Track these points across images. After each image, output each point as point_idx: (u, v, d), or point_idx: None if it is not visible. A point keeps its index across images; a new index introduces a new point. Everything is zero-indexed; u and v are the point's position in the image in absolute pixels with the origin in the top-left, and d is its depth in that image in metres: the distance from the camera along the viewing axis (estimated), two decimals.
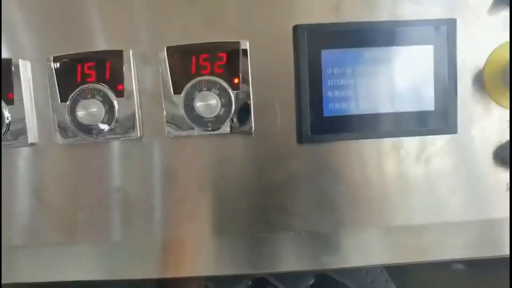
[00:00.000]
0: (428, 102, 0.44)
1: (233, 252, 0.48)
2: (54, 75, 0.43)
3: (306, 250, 0.48)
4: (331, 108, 0.44)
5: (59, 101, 0.43)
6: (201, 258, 0.49)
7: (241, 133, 0.44)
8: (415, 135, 0.45)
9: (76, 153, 0.45)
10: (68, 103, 0.43)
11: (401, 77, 0.44)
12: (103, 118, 0.43)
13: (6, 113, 0.43)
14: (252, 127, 0.44)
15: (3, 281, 0.48)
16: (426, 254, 0.49)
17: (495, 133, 0.46)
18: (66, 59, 0.43)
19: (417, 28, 0.44)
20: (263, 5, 0.43)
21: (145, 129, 0.45)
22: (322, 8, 0.44)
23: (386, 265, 0.55)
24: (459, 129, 0.45)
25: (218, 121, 0.43)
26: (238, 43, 0.43)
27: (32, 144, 0.45)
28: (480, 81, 0.45)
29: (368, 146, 0.46)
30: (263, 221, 0.47)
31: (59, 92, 0.43)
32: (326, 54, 0.43)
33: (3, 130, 0.43)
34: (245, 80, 0.43)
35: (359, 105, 0.44)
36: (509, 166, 0.45)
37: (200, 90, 0.42)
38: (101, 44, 0.44)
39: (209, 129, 0.43)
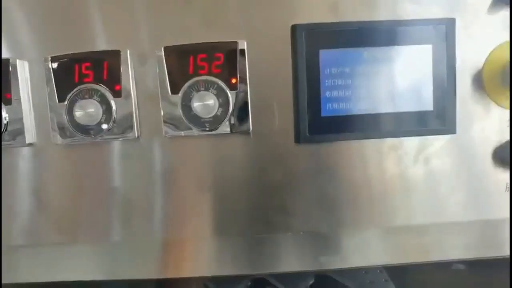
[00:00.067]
0: (426, 102, 0.44)
1: (232, 253, 0.48)
2: (52, 75, 0.43)
3: (305, 251, 0.48)
4: (329, 108, 0.43)
5: (57, 101, 0.43)
6: (201, 258, 0.49)
7: (239, 133, 0.44)
8: (413, 135, 0.45)
9: (74, 153, 0.45)
10: (65, 103, 0.43)
11: (399, 77, 0.44)
12: (101, 118, 0.43)
13: (4, 113, 0.43)
14: (250, 127, 0.44)
15: (3, 281, 0.48)
16: (425, 254, 0.49)
17: (495, 133, 0.46)
18: (64, 59, 0.43)
19: (415, 28, 0.43)
20: (261, 5, 0.43)
21: (143, 129, 0.44)
22: (320, 8, 0.44)
23: (386, 265, 0.55)
24: (458, 129, 0.45)
25: (215, 121, 0.43)
26: (236, 43, 0.43)
27: (30, 144, 0.45)
28: (479, 81, 0.45)
29: (367, 146, 0.46)
30: (262, 221, 0.47)
31: (57, 92, 0.43)
32: (324, 54, 0.43)
33: (1, 130, 0.43)
34: (243, 80, 0.43)
35: (357, 105, 0.44)
36: (508, 166, 0.45)
37: (198, 90, 0.42)
38: (99, 44, 0.44)
39: (207, 129, 0.43)
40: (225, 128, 0.44)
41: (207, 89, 0.42)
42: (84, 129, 0.43)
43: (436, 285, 0.69)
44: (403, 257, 0.49)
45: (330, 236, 0.48)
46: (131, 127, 0.44)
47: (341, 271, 0.66)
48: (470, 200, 0.47)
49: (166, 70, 0.43)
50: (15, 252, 0.48)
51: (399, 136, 0.45)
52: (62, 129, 0.44)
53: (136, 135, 0.44)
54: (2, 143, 0.44)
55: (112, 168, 0.45)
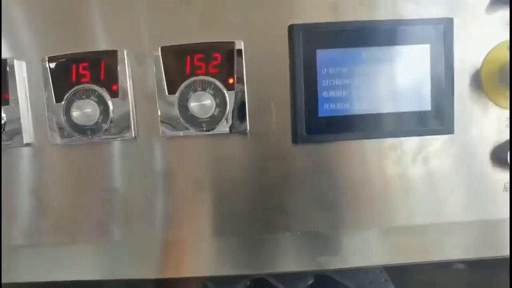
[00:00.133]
0: (424, 102, 0.44)
1: (231, 253, 0.48)
2: (49, 75, 0.43)
3: (304, 251, 0.48)
4: (326, 108, 0.43)
5: (54, 102, 0.43)
6: (199, 258, 0.49)
7: (236, 134, 0.44)
8: (411, 136, 0.45)
9: (71, 153, 0.45)
10: (63, 103, 0.43)
11: (397, 77, 0.44)
12: (98, 119, 0.43)
13: (2, 113, 0.43)
14: (247, 128, 0.44)
15: (3, 281, 0.48)
16: (424, 254, 0.49)
17: (493, 133, 0.45)
18: (61, 59, 0.43)
19: (413, 28, 0.43)
20: (259, 5, 0.43)
21: (140, 129, 0.44)
22: (319, 8, 0.43)
23: (385, 265, 0.55)
24: (456, 129, 0.45)
25: (212, 121, 0.43)
26: (233, 43, 0.43)
27: (27, 144, 0.45)
28: (477, 80, 0.44)
29: (364, 146, 0.45)
30: (260, 221, 0.47)
31: (54, 92, 0.43)
32: (322, 54, 0.43)
33: (1, 130, 0.43)
34: (240, 80, 0.43)
35: (355, 106, 0.43)
36: (507, 166, 0.45)
37: (195, 90, 0.42)
38: (97, 44, 0.44)
39: (204, 129, 0.43)
40: (222, 128, 0.44)
41: (204, 89, 0.42)
42: (81, 129, 0.43)
43: (436, 285, 0.68)
44: (401, 257, 0.49)
45: (328, 236, 0.48)
46: (128, 127, 0.44)
47: (341, 271, 0.66)
48: (469, 200, 0.47)
49: (163, 70, 0.43)
50: (15, 252, 0.48)
51: (396, 136, 0.45)
52: (59, 129, 0.44)
53: (133, 135, 0.44)
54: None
55: (109, 168, 0.45)
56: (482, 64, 0.44)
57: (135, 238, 0.47)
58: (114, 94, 0.43)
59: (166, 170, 0.45)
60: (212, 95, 0.42)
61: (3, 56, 0.43)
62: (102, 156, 0.45)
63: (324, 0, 0.43)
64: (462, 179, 0.47)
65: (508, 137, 0.45)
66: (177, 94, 0.43)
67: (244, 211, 0.47)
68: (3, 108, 0.43)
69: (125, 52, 0.43)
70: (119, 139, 0.44)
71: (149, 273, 0.49)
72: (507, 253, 0.48)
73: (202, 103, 0.42)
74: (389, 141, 0.45)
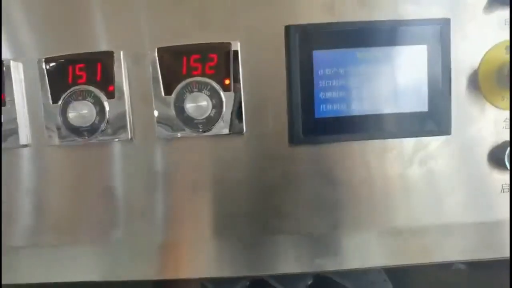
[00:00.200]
0: (421, 103, 0.44)
1: (230, 254, 0.48)
2: (46, 76, 0.43)
3: (303, 252, 0.48)
4: (323, 109, 0.43)
5: (51, 103, 0.43)
6: (198, 260, 0.49)
7: (232, 135, 0.44)
8: (408, 137, 0.45)
9: (68, 154, 0.45)
10: (59, 104, 0.43)
11: (394, 78, 0.43)
12: (94, 120, 0.43)
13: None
14: (243, 129, 0.44)
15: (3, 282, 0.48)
16: (421, 255, 0.49)
17: (490, 134, 0.45)
18: (57, 60, 0.43)
19: (410, 28, 0.43)
20: (255, 6, 0.43)
21: (136, 130, 0.44)
22: (316, 8, 0.43)
23: (383, 267, 0.55)
24: (454, 130, 0.45)
25: (209, 122, 0.43)
26: (229, 44, 0.43)
27: (24, 146, 0.45)
28: (475, 81, 0.44)
29: (361, 147, 0.45)
30: (259, 223, 0.47)
31: (50, 93, 0.43)
32: (318, 55, 0.43)
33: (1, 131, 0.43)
34: (237, 81, 0.43)
35: (351, 107, 0.43)
36: (504, 168, 0.45)
37: (191, 91, 0.42)
38: (95, 45, 0.44)
39: (200, 130, 0.43)
40: (218, 129, 0.44)
41: (200, 90, 0.42)
42: (77, 131, 0.43)
43: (436, 284, 0.68)
44: (399, 258, 0.49)
45: (327, 238, 0.48)
46: (124, 128, 0.44)
47: (339, 272, 0.66)
48: (466, 202, 0.47)
49: (159, 71, 0.43)
50: (14, 253, 0.48)
51: (393, 137, 0.45)
52: (56, 131, 0.44)
53: (130, 136, 0.44)
54: None
55: (106, 170, 0.45)
56: (480, 64, 0.44)
57: (133, 240, 0.47)
58: (110, 95, 0.43)
59: (163, 171, 0.45)
60: (208, 96, 0.42)
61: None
62: (98, 157, 0.45)
63: (321, 1, 0.43)
64: (460, 180, 0.46)
65: (505, 138, 0.45)
66: (173, 95, 0.42)
67: (242, 212, 0.46)
68: None
69: (121, 53, 0.43)
70: (115, 140, 0.44)
71: (148, 274, 0.49)
72: (506, 254, 0.48)
73: (198, 104, 0.42)
74: (386, 142, 0.45)
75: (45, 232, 0.47)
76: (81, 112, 0.42)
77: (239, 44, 0.43)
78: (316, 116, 0.43)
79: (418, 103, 0.44)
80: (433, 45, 0.43)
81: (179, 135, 0.44)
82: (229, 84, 0.43)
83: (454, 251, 0.48)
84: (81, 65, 0.43)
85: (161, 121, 0.44)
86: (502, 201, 0.46)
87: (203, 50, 0.43)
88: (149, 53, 0.43)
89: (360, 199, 0.46)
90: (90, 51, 0.43)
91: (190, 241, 0.48)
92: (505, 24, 0.44)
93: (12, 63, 0.43)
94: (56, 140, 0.44)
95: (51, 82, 0.43)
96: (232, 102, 0.43)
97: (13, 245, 0.47)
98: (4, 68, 0.43)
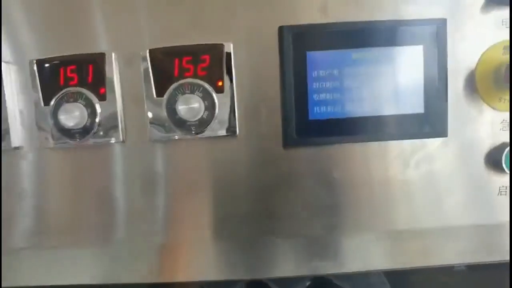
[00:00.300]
0: (417, 105, 0.43)
1: (227, 257, 0.48)
2: (37, 78, 0.43)
3: (301, 255, 0.48)
4: (317, 111, 0.43)
5: (42, 104, 0.43)
6: (194, 262, 0.48)
7: (226, 137, 0.44)
8: (404, 139, 0.44)
9: (61, 157, 0.45)
10: (51, 106, 0.42)
11: (389, 79, 0.43)
12: (86, 122, 0.42)
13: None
14: (237, 131, 0.43)
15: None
16: (417, 258, 0.48)
17: (488, 136, 0.45)
18: (49, 62, 0.43)
19: (406, 28, 0.43)
20: (248, 6, 0.43)
21: (129, 132, 0.44)
22: (309, 9, 0.43)
23: (380, 270, 0.54)
24: (451, 132, 0.44)
25: (201, 124, 0.42)
26: (222, 45, 0.42)
27: (16, 148, 0.44)
28: (472, 82, 0.44)
29: (357, 149, 0.45)
30: (256, 225, 0.46)
31: (42, 95, 0.43)
32: (311, 56, 0.42)
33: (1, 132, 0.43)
34: (229, 83, 0.43)
35: (346, 108, 0.43)
36: (502, 170, 0.44)
37: (183, 93, 0.42)
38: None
39: (193, 132, 0.43)
40: (211, 131, 0.43)
41: (192, 92, 0.42)
42: (69, 133, 0.43)
43: (434, 286, 0.68)
44: (397, 261, 0.48)
45: (324, 240, 0.47)
46: (116, 130, 0.43)
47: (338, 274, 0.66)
48: (464, 204, 0.46)
49: (151, 72, 0.42)
50: (9, 255, 0.48)
51: (389, 140, 0.44)
52: (48, 133, 0.44)
53: (121, 139, 0.43)
54: None
55: (98, 172, 0.45)
56: (477, 65, 0.43)
57: (129, 242, 0.47)
58: (102, 97, 0.43)
59: (155, 174, 0.45)
60: (200, 97, 0.42)
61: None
62: (92, 159, 0.45)
63: (314, 1, 0.43)
64: (457, 182, 0.46)
65: (503, 140, 0.44)
66: (165, 97, 0.42)
67: (238, 214, 0.46)
68: None
69: (113, 54, 0.43)
70: (107, 142, 0.44)
71: (146, 277, 0.48)
72: (506, 257, 0.47)
73: (190, 106, 0.41)
74: (382, 144, 0.45)
75: (40, 234, 0.47)
76: (72, 114, 0.42)
77: (231, 45, 0.42)
78: (310, 118, 0.43)
79: (414, 104, 0.43)
80: (429, 45, 0.43)
81: (171, 137, 0.43)
82: (222, 85, 0.42)
83: (452, 253, 0.48)
84: (73, 67, 0.43)
85: (153, 123, 0.43)
86: (499, 203, 0.46)
87: (195, 51, 0.42)
88: (140, 54, 0.42)
89: (356, 201, 0.46)
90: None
91: (186, 243, 0.47)
92: (502, 24, 0.43)
93: (3, 65, 0.43)
94: (48, 143, 0.44)
95: (43, 84, 0.43)
96: (225, 104, 0.43)
97: (10, 247, 0.47)
98: None
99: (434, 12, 0.43)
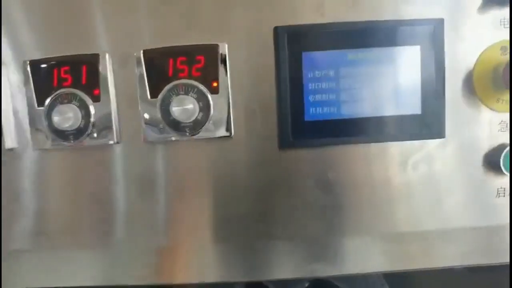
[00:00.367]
0: (414, 106, 0.43)
1: (225, 259, 0.47)
2: (31, 79, 0.43)
3: (300, 257, 0.47)
4: (313, 112, 0.42)
5: (36, 106, 0.43)
6: (189, 264, 0.48)
7: (221, 138, 0.43)
8: (401, 140, 0.44)
9: (55, 158, 0.45)
10: (44, 108, 0.42)
11: (386, 80, 0.42)
12: (80, 123, 0.42)
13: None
14: (232, 132, 0.43)
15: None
16: (414, 261, 0.48)
17: (486, 137, 0.44)
18: (43, 63, 0.43)
19: (403, 28, 0.42)
20: (243, 7, 0.42)
21: (123, 134, 0.44)
22: (305, 9, 0.42)
23: (378, 272, 0.54)
24: (449, 133, 0.44)
25: (196, 126, 0.42)
26: (217, 45, 0.42)
27: (10, 150, 0.44)
28: (470, 83, 0.43)
29: (353, 151, 0.44)
30: (250, 228, 0.46)
31: (36, 96, 0.43)
32: (307, 56, 0.42)
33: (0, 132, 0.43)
34: (224, 84, 0.42)
35: (342, 109, 0.42)
36: (500, 171, 0.43)
37: (177, 94, 0.41)
38: (78, 47, 0.43)
39: (188, 134, 0.42)
40: (206, 133, 0.43)
41: (187, 93, 0.41)
42: (63, 134, 0.42)
43: (435, 284, 0.67)
44: (393, 263, 0.48)
45: (322, 242, 0.47)
46: (110, 132, 0.43)
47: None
48: (463, 206, 0.46)
49: (145, 73, 0.42)
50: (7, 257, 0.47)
51: (385, 141, 0.44)
52: (41, 134, 0.43)
53: (115, 140, 0.43)
54: None
55: (92, 173, 0.45)
56: (475, 65, 0.43)
57: (128, 244, 0.46)
58: (95, 99, 0.42)
59: (150, 175, 0.45)
60: (195, 99, 0.41)
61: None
62: (85, 161, 0.45)
63: (310, 2, 0.42)
64: (455, 184, 0.45)
65: (501, 141, 0.44)
66: (159, 98, 0.42)
67: (236, 216, 0.46)
68: None
69: (107, 55, 0.42)
70: (101, 144, 0.43)
71: (143, 279, 0.48)
72: (505, 259, 0.47)
73: (184, 107, 0.41)
74: (379, 145, 0.44)
75: (34, 236, 0.46)
76: (66, 115, 0.41)
77: (226, 45, 0.42)
78: (306, 119, 0.43)
79: (411, 105, 0.43)
80: (427, 45, 0.42)
81: (166, 138, 0.43)
82: (217, 86, 0.42)
83: (450, 255, 0.47)
84: (66, 68, 0.42)
85: (148, 124, 0.43)
86: (497, 205, 0.45)
87: (190, 52, 0.42)
88: (135, 55, 0.42)
89: (353, 203, 0.45)
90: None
91: (184, 245, 0.47)
92: (500, 24, 0.42)
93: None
94: (42, 144, 0.44)
95: (36, 85, 0.43)
96: (220, 105, 0.42)
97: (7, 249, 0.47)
98: None
99: (432, 12, 0.43)
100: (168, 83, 0.42)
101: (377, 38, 0.42)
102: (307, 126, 0.43)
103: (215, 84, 0.42)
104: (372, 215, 0.46)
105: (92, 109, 0.42)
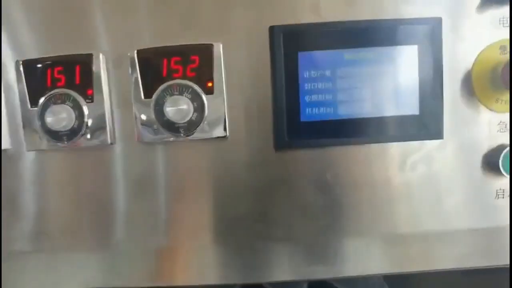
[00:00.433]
0: (412, 106, 0.42)
1: (224, 261, 0.47)
2: (24, 79, 0.42)
3: (298, 259, 0.47)
4: (309, 113, 0.42)
5: (29, 106, 0.42)
6: (185, 266, 0.47)
7: (216, 139, 0.43)
8: (398, 141, 0.43)
9: (50, 159, 0.44)
10: (38, 108, 0.42)
11: (383, 80, 0.42)
12: (74, 124, 0.42)
13: None
14: (227, 133, 0.42)
15: None
16: (413, 263, 0.47)
17: (485, 138, 0.44)
18: (36, 63, 0.42)
19: (400, 28, 0.42)
20: (238, 6, 0.42)
21: (117, 134, 0.43)
22: (300, 9, 0.42)
23: (375, 274, 0.53)
24: (448, 133, 0.43)
25: (190, 126, 0.42)
26: (211, 45, 0.41)
27: (3, 151, 0.44)
28: (468, 83, 0.43)
29: (350, 152, 0.44)
30: (247, 229, 0.46)
31: (28, 97, 0.42)
32: (303, 56, 0.41)
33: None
34: (219, 84, 0.42)
35: (338, 110, 0.42)
36: (499, 172, 0.43)
37: (171, 94, 0.41)
38: (74, 47, 0.42)
39: (182, 134, 0.42)
40: (201, 133, 0.42)
41: (181, 93, 0.41)
42: (56, 135, 0.42)
43: (435, 285, 0.67)
44: (391, 266, 0.48)
45: (321, 244, 0.46)
46: (104, 132, 0.42)
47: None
48: (462, 208, 0.45)
49: (139, 73, 0.42)
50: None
51: (383, 142, 0.43)
52: (35, 135, 0.43)
53: (109, 141, 0.43)
54: None
55: (86, 174, 0.44)
56: (473, 65, 0.42)
57: (125, 245, 0.46)
58: (89, 99, 0.42)
59: (145, 176, 0.44)
60: (189, 99, 0.41)
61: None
62: (80, 161, 0.44)
63: (306, 1, 0.42)
64: (454, 186, 0.45)
65: (500, 142, 0.43)
66: (153, 98, 0.41)
67: (234, 218, 0.45)
68: None
69: (100, 55, 0.42)
70: (94, 145, 0.43)
71: (141, 281, 0.48)
72: (505, 262, 0.46)
73: (178, 108, 0.40)
74: (376, 146, 0.44)
75: (21, 238, 0.46)
76: (59, 116, 0.41)
77: (221, 45, 0.41)
78: (302, 119, 0.42)
79: (408, 106, 0.42)
80: (424, 45, 0.42)
81: (160, 139, 0.42)
82: (212, 86, 0.42)
83: (450, 258, 0.47)
84: (60, 68, 0.42)
85: (142, 125, 0.42)
86: (497, 207, 0.45)
87: (184, 52, 0.41)
88: (128, 55, 0.41)
89: (351, 204, 0.45)
90: (67, 54, 0.42)
91: (181, 247, 0.47)
92: (499, 23, 0.42)
93: None
94: (35, 145, 0.43)
95: (29, 85, 0.42)
96: (215, 105, 0.42)
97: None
98: None
99: (430, 11, 0.42)
100: (162, 83, 0.41)
101: (374, 38, 0.42)
102: (303, 127, 0.42)
103: (209, 84, 0.42)
104: (370, 216, 0.45)
105: (85, 110, 0.42)
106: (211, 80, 0.42)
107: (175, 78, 0.41)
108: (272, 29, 0.41)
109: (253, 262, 0.47)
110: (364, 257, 0.46)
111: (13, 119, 0.44)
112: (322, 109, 0.42)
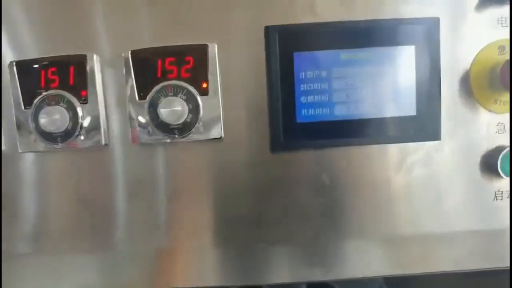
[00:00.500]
0: (409, 107, 0.42)
1: (220, 263, 0.47)
2: (17, 80, 0.42)
3: (297, 261, 0.47)
4: (305, 114, 0.41)
5: (23, 108, 0.42)
6: (182, 268, 0.47)
7: (211, 140, 0.42)
8: (395, 142, 0.43)
9: (46, 160, 0.44)
10: (31, 109, 0.41)
11: (380, 80, 0.41)
12: (68, 125, 0.41)
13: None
14: (221, 134, 0.42)
15: None
16: (412, 265, 0.47)
17: (483, 139, 0.43)
18: (30, 64, 0.42)
19: (397, 28, 0.41)
20: (233, 6, 0.42)
21: (111, 136, 0.43)
22: (296, 9, 0.42)
23: (377, 277, 0.53)
24: (446, 135, 0.43)
25: (185, 128, 0.41)
26: (206, 45, 0.41)
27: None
28: (466, 83, 0.42)
29: (347, 152, 0.43)
30: (251, 231, 0.45)
31: (22, 98, 0.42)
32: (299, 57, 0.41)
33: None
34: (214, 85, 0.41)
35: (335, 111, 0.41)
36: (498, 174, 0.42)
37: (166, 95, 0.40)
38: (68, 48, 0.42)
39: (177, 136, 0.41)
40: (196, 135, 0.42)
41: (175, 94, 0.40)
42: (50, 137, 0.42)
43: (435, 286, 0.67)
44: (392, 267, 0.47)
45: (319, 246, 0.46)
46: (99, 134, 0.42)
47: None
48: (460, 210, 0.45)
49: (133, 74, 0.41)
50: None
51: (379, 143, 0.43)
52: (28, 136, 0.42)
53: (104, 142, 0.42)
54: None
55: (80, 176, 0.44)
56: (471, 65, 0.42)
57: (121, 247, 0.46)
58: (83, 100, 0.42)
59: (141, 177, 0.44)
60: (184, 100, 0.40)
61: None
62: (76, 162, 0.44)
63: (302, 1, 0.41)
64: (452, 187, 0.44)
65: (498, 143, 0.43)
66: (147, 100, 0.41)
67: (231, 219, 0.45)
68: None
69: (94, 56, 0.41)
70: (89, 146, 0.43)
71: (141, 283, 0.47)
72: (505, 264, 0.46)
73: (173, 109, 0.40)
74: (373, 147, 0.43)
75: (15, 240, 0.46)
76: (53, 117, 0.41)
77: (216, 46, 0.41)
78: (298, 120, 0.42)
79: (405, 106, 0.42)
80: (422, 45, 0.41)
81: (154, 140, 0.42)
82: (207, 87, 0.41)
83: (449, 260, 0.46)
84: (54, 69, 0.41)
85: (136, 126, 0.42)
86: (495, 209, 0.44)
87: (178, 53, 0.41)
88: (122, 55, 0.41)
89: (349, 205, 0.45)
90: (61, 55, 0.42)
91: (179, 249, 0.46)
92: (498, 23, 0.41)
93: None
94: (29, 146, 0.43)
95: (23, 86, 0.42)
96: (210, 106, 0.42)
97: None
98: None
99: (428, 11, 0.42)
100: (157, 84, 0.41)
101: (371, 38, 0.41)
102: (299, 128, 0.42)
103: (204, 85, 0.41)
104: (368, 218, 0.45)
105: (80, 111, 0.42)
106: (206, 80, 0.41)
107: (169, 79, 0.41)
108: (267, 29, 0.41)
109: (252, 264, 0.46)
110: (363, 259, 0.46)
111: (9, 120, 0.43)
112: (318, 110, 0.41)
